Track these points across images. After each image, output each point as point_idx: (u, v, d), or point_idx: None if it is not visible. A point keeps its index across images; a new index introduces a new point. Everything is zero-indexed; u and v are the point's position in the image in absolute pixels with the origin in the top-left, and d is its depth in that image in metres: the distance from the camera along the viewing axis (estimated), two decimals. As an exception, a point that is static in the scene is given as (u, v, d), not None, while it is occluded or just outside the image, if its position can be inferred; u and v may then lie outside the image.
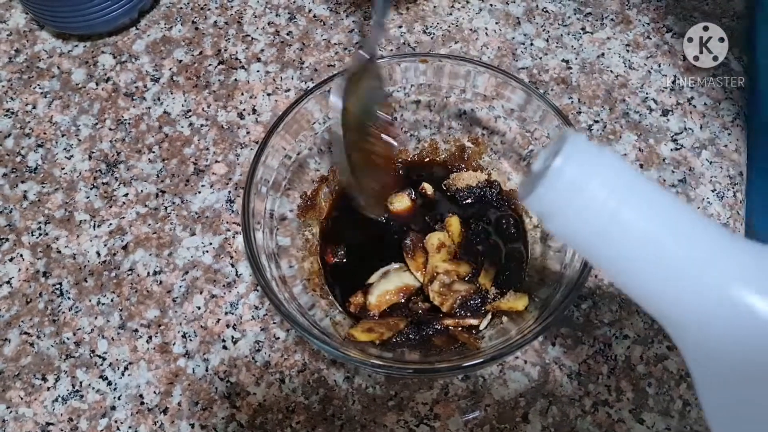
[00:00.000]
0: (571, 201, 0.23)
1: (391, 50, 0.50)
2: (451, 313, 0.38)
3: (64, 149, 0.48)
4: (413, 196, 0.43)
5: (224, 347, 0.40)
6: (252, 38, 0.52)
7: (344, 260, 0.41)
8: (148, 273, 0.43)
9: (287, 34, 0.52)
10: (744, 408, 0.21)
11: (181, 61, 0.51)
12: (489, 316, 0.38)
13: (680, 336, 0.23)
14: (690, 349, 0.23)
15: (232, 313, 0.41)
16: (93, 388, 0.39)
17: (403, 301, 0.39)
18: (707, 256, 0.22)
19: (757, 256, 0.21)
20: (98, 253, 0.44)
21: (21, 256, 0.44)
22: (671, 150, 0.46)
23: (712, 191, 0.44)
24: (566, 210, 0.23)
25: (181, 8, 0.54)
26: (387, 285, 0.39)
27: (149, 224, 0.44)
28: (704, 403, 0.23)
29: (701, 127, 0.47)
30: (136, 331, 0.41)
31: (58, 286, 0.43)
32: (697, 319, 0.22)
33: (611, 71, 0.49)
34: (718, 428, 0.22)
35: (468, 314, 0.38)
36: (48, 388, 0.40)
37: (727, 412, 0.22)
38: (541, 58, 0.50)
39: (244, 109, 0.49)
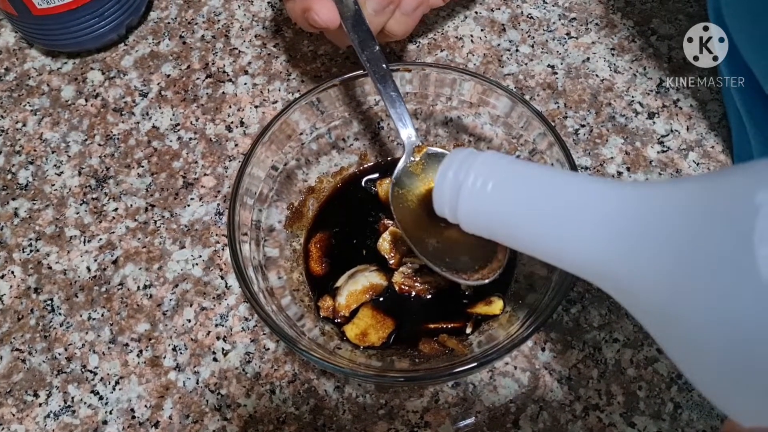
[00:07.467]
0: (459, 195, 0.29)
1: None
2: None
3: (54, 166, 0.48)
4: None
5: (214, 359, 0.40)
6: (239, 51, 0.52)
7: (329, 270, 0.41)
8: (138, 287, 0.43)
9: (274, 47, 0.52)
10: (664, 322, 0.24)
11: (169, 75, 0.51)
12: (472, 321, 0.38)
13: (600, 282, 0.26)
14: (611, 288, 0.26)
15: (222, 325, 0.41)
16: (85, 403, 0.40)
17: (371, 299, 0.40)
18: (580, 201, 0.26)
19: (624, 194, 0.25)
20: (88, 269, 0.44)
21: (12, 273, 0.44)
22: (658, 152, 0.46)
23: (700, 192, 0.44)
24: (460, 204, 0.29)
25: (169, 23, 0.54)
26: (354, 286, 0.39)
27: (139, 238, 0.45)
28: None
29: (688, 129, 0.47)
30: (127, 345, 0.41)
31: (49, 302, 0.43)
32: (599, 258, 0.25)
33: (597, 75, 0.50)
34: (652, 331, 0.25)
35: (446, 316, 0.39)
36: (40, 404, 0.40)
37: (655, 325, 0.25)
38: (526, 64, 0.50)
39: (232, 122, 0.49)
